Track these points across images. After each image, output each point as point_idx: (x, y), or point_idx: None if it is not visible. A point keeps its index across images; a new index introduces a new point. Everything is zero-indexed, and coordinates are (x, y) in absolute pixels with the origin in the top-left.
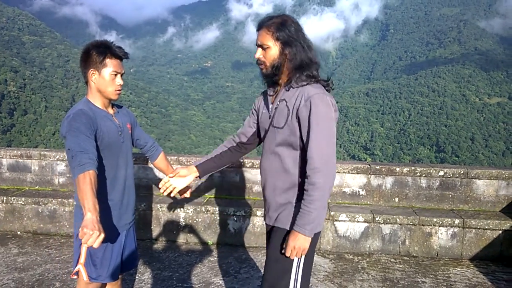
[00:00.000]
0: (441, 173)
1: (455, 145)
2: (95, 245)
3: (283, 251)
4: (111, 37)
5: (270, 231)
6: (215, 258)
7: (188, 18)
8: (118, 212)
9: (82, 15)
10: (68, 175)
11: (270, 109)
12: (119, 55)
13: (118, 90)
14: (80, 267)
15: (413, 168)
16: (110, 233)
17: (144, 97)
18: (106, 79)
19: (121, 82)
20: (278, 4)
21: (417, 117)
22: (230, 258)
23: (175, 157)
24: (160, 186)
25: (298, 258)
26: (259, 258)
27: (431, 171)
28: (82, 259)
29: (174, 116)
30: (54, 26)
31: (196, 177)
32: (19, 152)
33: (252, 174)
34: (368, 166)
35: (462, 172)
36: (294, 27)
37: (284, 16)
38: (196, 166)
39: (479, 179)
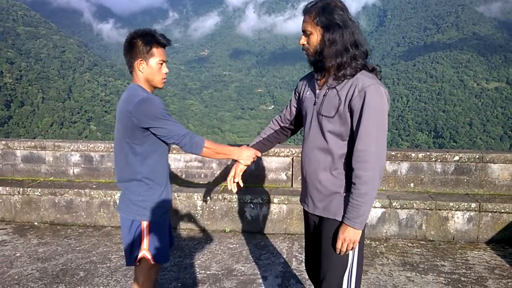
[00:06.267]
0: (456, 158)
1: (453, 131)
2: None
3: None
4: (108, 25)
5: (318, 221)
6: (235, 245)
7: (185, 6)
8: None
9: (77, 5)
10: (82, 165)
11: (316, 95)
12: (164, 43)
13: (164, 79)
14: (145, 252)
15: (428, 153)
16: (167, 214)
17: None
18: (153, 68)
19: (167, 70)
20: None
21: (415, 103)
22: (250, 245)
23: None
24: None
25: (355, 253)
26: (278, 244)
27: (446, 156)
28: (145, 244)
29: (172, 105)
30: (49, 16)
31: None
32: (33, 143)
33: (268, 162)
34: None
35: (477, 156)
36: (337, 11)
37: (329, 0)
38: (251, 147)
39: (494, 163)
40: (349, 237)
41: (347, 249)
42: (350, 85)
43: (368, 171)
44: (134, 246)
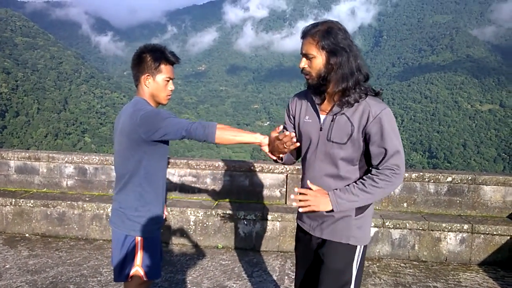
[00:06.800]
0: (449, 179)
1: (447, 151)
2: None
3: (300, 195)
4: (106, 37)
5: (320, 244)
6: (227, 262)
7: (183, 22)
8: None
9: (76, 17)
10: (76, 177)
11: (321, 121)
12: (173, 61)
13: (169, 96)
14: (138, 268)
15: (421, 173)
16: (160, 229)
17: None
18: (160, 85)
19: (173, 88)
20: (274, 8)
21: (410, 123)
22: (242, 261)
23: (185, 161)
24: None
25: (357, 273)
26: (270, 262)
27: (439, 177)
28: (138, 260)
29: None
30: (47, 28)
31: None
32: (27, 154)
33: (262, 178)
34: None
35: (470, 178)
36: (341, 35)
37: (330, 23)
38: None
39: (486, 185)
40: (317, 200)
41: (301, 201)
42: (362, 111)
43: (398, 179)
44: (126, 261)
